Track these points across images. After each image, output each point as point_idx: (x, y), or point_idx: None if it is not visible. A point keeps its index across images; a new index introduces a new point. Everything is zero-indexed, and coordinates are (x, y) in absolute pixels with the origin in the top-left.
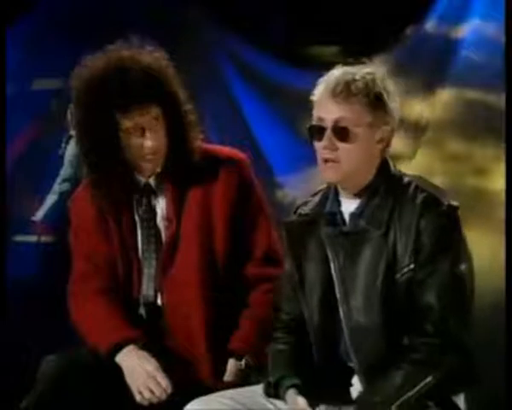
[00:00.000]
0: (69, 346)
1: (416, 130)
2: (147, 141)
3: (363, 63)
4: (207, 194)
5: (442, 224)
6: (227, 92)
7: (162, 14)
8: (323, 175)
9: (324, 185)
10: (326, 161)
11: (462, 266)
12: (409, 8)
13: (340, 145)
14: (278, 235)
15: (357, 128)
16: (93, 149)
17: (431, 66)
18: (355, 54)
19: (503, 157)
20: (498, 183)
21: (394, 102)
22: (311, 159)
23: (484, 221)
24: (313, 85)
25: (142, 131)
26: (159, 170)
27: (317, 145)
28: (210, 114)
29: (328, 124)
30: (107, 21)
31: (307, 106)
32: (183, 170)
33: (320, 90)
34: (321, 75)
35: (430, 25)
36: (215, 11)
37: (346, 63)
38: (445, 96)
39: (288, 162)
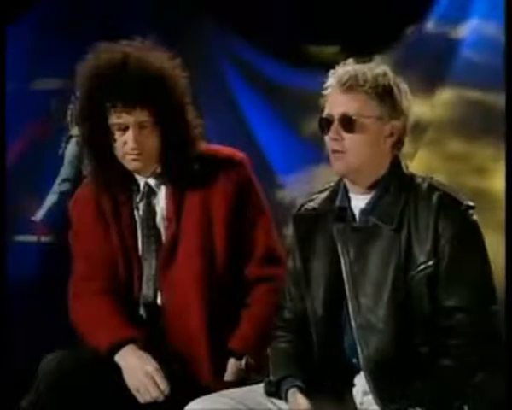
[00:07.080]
0: (69, 345)
1: (416, 130)
2: (129, 140)
3: (364, 62)
4: (207, 194)
5: (463, 222)
6: (227, 92)
7: (163, 14)
8: (333, 167)
9: (324, 185)
10: (334, 152)
11: (486, 263)
12: (409, 8)
13: (347, 136)
14: (278, 234)
15: (363, 119)
16: (87, 138)
17: (431, 66)
18: (355, 54)
19: (503, 157)
20: (498, 183)
21: (406, 101)
22: (311, 159)
23: (484, 221)
24: (313, 85)
25: (127, 130)
26: (159, 170)
27: (326, 138)
28: (210, 114)
29: (336, 115)
30: (107, 21)
31: (307, 106)
32: (183, 170)
33: (329, 83)
34: (321, 75)
35: (430, 25)
36: (216, 12)
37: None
38: (445, 96)
39: (288, 162)
